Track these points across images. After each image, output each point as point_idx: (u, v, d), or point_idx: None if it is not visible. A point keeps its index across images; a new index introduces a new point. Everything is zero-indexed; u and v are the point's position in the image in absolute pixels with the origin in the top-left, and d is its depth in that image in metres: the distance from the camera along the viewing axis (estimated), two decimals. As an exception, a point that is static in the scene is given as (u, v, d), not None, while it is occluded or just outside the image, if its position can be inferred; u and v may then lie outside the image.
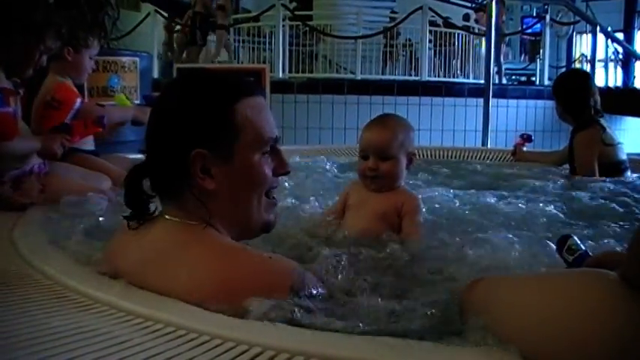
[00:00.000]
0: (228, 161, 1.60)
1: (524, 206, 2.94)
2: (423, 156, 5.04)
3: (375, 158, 2.40)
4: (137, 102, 5.58)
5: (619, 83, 12.74)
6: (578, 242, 1.78)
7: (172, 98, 1.64)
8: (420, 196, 2.55)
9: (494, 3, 6.38)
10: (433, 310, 1.52)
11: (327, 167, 4.21)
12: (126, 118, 3.79)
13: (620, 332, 1.06)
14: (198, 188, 1.58)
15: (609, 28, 9.44)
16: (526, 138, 5.01)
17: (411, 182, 2.76)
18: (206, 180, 1.58)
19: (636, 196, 3.35)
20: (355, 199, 2.50)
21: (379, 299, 1.62)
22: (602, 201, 3.18)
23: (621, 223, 2.65)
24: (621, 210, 2.98)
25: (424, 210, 2.53)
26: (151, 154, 1.63)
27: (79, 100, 3.49)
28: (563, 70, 17.42)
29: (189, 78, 1.72)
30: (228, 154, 1.60)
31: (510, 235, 2.25)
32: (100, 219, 2.48)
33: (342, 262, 1.93)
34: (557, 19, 14.19)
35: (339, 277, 1.75)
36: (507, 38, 14.31)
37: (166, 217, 1.63)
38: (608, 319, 1.09)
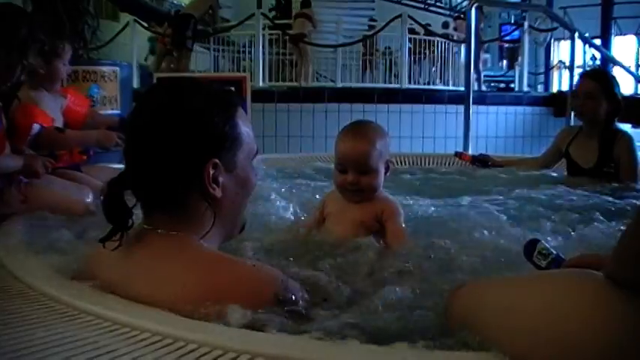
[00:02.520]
0: (232, 170, 1.65)
1: (516, 211, 2.97)
2: (403, 163, 5.07)
3: (354, 172, 2.34)
4: (118, 112, 5.56)
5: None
6: (548, 246, 1.78)
7: (173, 108, 1.60)
8: (398, 201, 2.52)
9: (473, 10, 6.41)
10: (418, 316, 1.53)
11: (309, 175, 4.20)
12: (89, 142, 3.69)
13: (614, 333, 1.07)
14: (209, 197, 1.60)
15: (587, 35, 9.52)
16: (462, 156, 5.00)
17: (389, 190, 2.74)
18: (216, 189, 1.61)
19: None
20: (333, 208, 2.48)
21: (363, 306, 1.63)
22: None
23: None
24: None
25: (404, 215, 2.49)
26: (149, 164, 1.59)
27: (36, 125, 3.36)
28: (542, 76, 17.62)
29: (186, 88, 1.67)
30: (233, 164, 1.65)
31: (497, 240, 2.27)
32: (84, 229, 2.47)
33: (325, 269, 1.94)
34: (536, 26, 14.29)
35: (323, 283, 1.76)
36: (486, 45, 14.40)
37: (146, 227, 1.63)
38: (601, 319, 1.09)
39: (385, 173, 2.42)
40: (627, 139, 4.05)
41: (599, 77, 4.17)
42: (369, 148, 2.33)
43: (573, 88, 4.45)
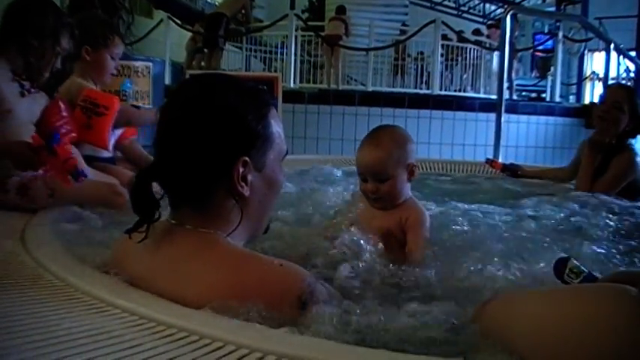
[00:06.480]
0: (261, 170, 1.64)
1: (535, 223, 2.93)
2: (432, 169, 5.06)
3: (373, 181, 2.34)
4: (149, 106, 5.59)
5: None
6: (579, 264, 1.74)
7: (207, 102, 1.60)
8: (425, 210, 2.47)
9: (508, 18, 6.36)
10: (444, 326, 1.51)
11: (338, 178, 4.19)
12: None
13: None
14: (237, 195, 1.60)
15: (622, 46, 9.42)
16: (493, 163, 4.96)
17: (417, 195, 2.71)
18: (244, 187, 1.60)
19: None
20: (362, 214, 2.45)
21: (388, 313, 1.61)
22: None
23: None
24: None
25: (429, 225, 2.41)
26: (179, 157, 1.58)
27: (117, 102, 3.41)
28: (574, 87, 17.45)
29: (220, 83, 1.68)
30: (262, 163, 1.64)
31: (524, 255, 2.24)
32: (112, 221, 2.49)
33: (353, 274, 1.93)
34: (570, 36, 14.17)
35: (349, 287, 1.75)
36: (519, 54, 14.31)
37: (173, 222, 1.63)
38: (634, 334, 1.08)
39: (409, 178, 2.39)
40: (631, 154, 3.96)
41: (628, 90, 4.19)
42: (383, 156, 2.31)
43: (600, 99, 4.40)
